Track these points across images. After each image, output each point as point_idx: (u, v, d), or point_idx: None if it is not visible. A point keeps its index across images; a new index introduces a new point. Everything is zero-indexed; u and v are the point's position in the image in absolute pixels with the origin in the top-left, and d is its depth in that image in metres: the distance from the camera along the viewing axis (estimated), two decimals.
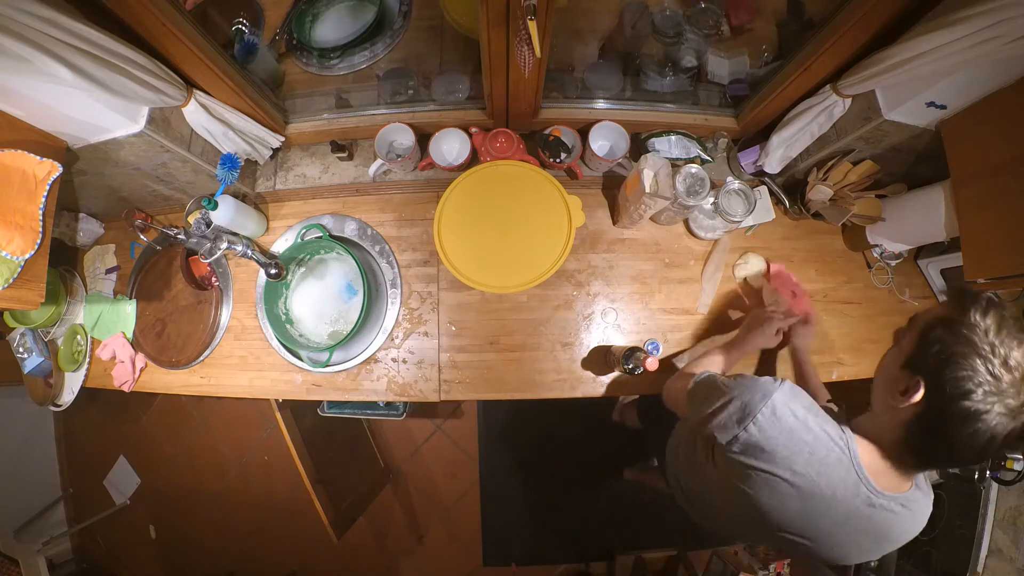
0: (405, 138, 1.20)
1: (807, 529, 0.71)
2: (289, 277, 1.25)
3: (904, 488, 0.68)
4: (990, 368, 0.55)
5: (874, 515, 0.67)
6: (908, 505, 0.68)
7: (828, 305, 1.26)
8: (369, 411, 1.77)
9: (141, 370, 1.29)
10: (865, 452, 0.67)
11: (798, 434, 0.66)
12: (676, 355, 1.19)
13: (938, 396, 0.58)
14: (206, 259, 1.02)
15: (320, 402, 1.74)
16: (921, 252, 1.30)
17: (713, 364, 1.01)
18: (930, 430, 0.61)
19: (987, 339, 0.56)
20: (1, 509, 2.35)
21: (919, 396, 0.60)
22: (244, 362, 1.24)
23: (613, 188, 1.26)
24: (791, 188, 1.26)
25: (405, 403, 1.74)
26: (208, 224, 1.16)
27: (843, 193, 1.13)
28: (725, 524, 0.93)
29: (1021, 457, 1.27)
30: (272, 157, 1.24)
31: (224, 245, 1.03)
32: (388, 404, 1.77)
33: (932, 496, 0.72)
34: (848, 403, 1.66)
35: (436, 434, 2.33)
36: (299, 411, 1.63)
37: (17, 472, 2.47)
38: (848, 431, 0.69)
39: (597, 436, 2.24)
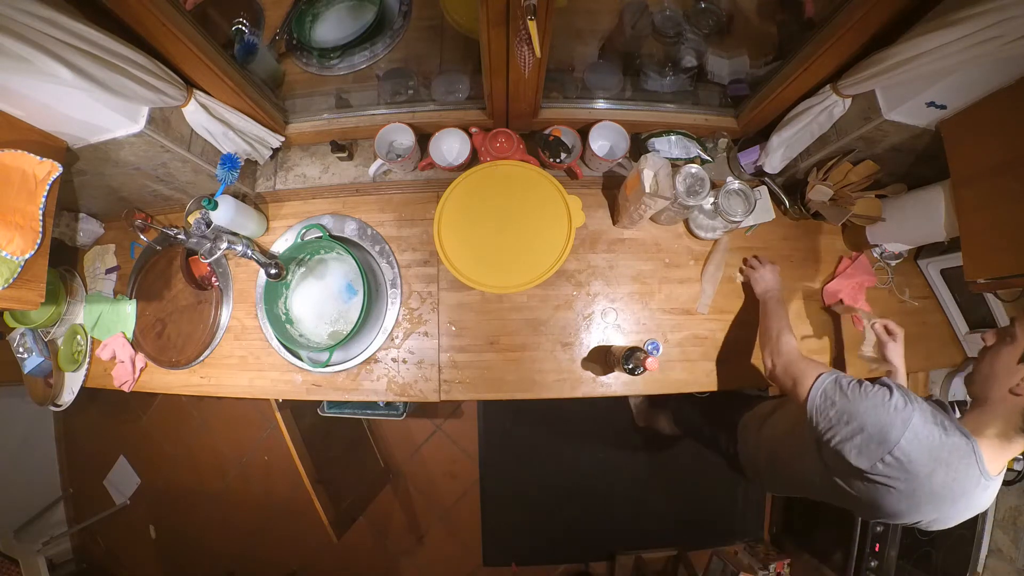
0: (405, 138, 1.20)
1: (900, 517, 0.76)
2: (289, 277, 1.25)
3: (1000, 468, 0.74)
4: None
5: (982, 495, 0.73)
6: (1001, 479, 0.75)
7: (828, 305, 1.26)
8: (369, 411, 1.76)
9: (141, 370, 1.29)
10: (986, 447, 0.73)
11: (937, 452, 0.71)
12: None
13: None
14: (206, 259, 1.02)
15: (320, 402, 1.74)
16: (921, 252, 1.30)
17: (786, 327, 1.04)
18: None
19: None
20: (1, 509, 2.35)
21: None
22: (244, 362, 1.24)
23: (613, 188, 1.26)
24: (791, 188, 1.26)
25: (405, 403, 1.74)
26: (208, 224, 1.16)
27: (843, 193, 1.13)
28: (800, 489, 0.98)
29: (1021, 457, 1.27)
30: (272, 157, 1.24)
31: (224, 245, 1.03)
32: (388, 404, 1.77)
33: None
34: None
35: (436, 434, 2.33)
36: (299, 411, 1.63)
37: (17, 472, 2.47)
38: (969, 433, 0.73)
39: (598, 435, 2.24)
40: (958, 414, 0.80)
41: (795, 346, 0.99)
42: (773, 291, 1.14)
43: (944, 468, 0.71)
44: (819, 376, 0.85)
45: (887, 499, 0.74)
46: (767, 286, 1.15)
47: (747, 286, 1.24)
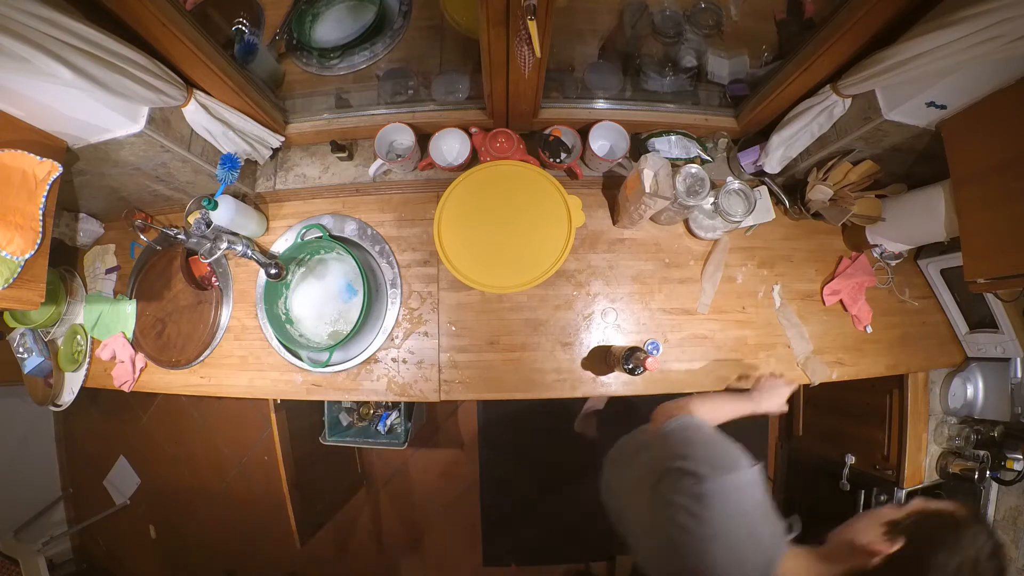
0: (405, 138, 1.20)
1: None
2: (289, 277, 1.25)
3: None
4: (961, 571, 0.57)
5: None
6: None
7: (828, 305, 1.26)
8: (371, 440, 1.78)
9: (141, 370, 1.29)
10: (786, 570, 0.65)
11: (734, 523, 0.65)
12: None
13: (901, 568, 0.59)
14: (206, 259, 1.02)
15: (323, 430, 1.76)
16: (921, 252, 1.30)
17: (719, 406, 0.97)
18: None
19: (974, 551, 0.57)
20: (1, 509, 2.35)
21: (887, 550, 0.60)
22: (244, 362, 1.24)
23: (613, 188, 1.26)
24: (791, 188, 1.26)
25: (407, 432, 1.76)
26: (208, 224, 1.15)
27: (843, 193, 1.13)
28: (634, 546, 0.90)
29: (1021, 457, 1.27)
30: (272, 157, 1.24)
31: (224, 245, 1.03)
32: (389, 432, 1.78)
33: None
34: (846, 403, 1.66)
35: (436, 434, 2.33)
36: (296, 412, 1.64)
37: (17, 472, 2.47)
38: (784, 547, 0.67)
39: (598, 435, 2.23)
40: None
41: (711, 411, 0.92)
42: (763, 411, 1.04)
43: (728, 547, 0.63)
44: (689, 415, 0.83)
45: (686, 540, 0.66)
46: (769, 408, 1.04)
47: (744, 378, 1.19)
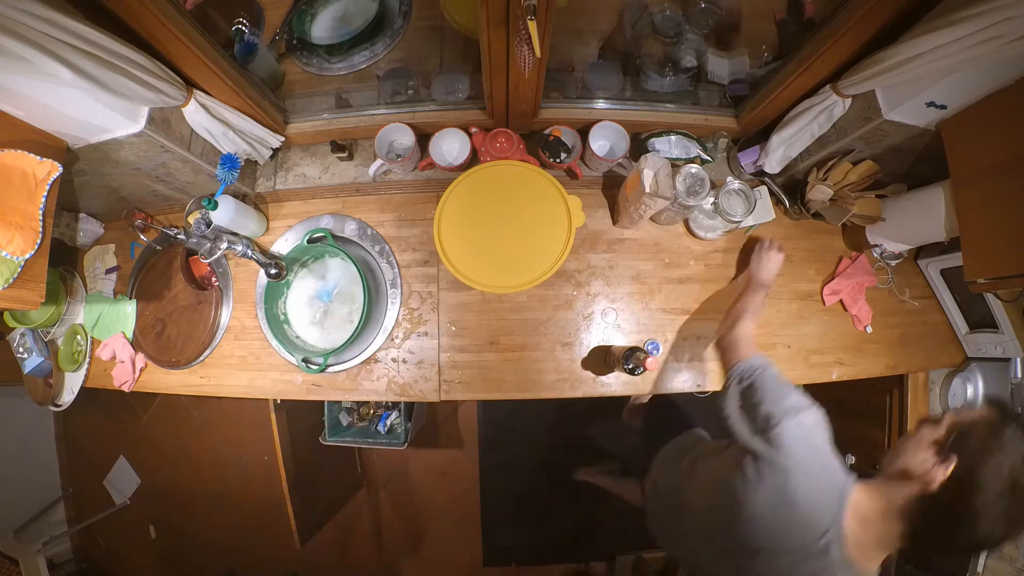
0: (405, 138, 1.20)
1: (770, 541, 0.71)
2: (289, 277, 1.25)
3: (866, 564, 0.68)
4: (1014, 477, 0.60)
5: (823, 566, 0.67)
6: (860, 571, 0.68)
7: (828, 305, 1.26)
8: (370, 440, 1.77)
9: (141, 370, 1.29)
10: (857, 502, 0.69)
11: (808, 455, 0.70)
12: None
13: (960, 483, 0.62)
14: (206, 259, 1.03)
15: (323, 430, 1.76)
16: (921, 252, 1.30)
17: (755, 316, 1.04)
18: (934, 512, 0.64)
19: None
20: (1, 509, 2.35)
21: (942, 476, 0.63)
22: (244, 362, 1.24)
23: (613, 188, 1.26)
24: (791, 188, 1.26)
25: (407, 432, 1.76)
26: (208, 224, 1.16)
27: (843, 193, 1.13)
28: (688, 534, 0.92)
29: None
30: (272, 157, 1.24)
31: (224, 245, 1.03)
32: (389, 432, 1.78)
33: None
34: (846, 403, 1.66)
35: (436, 434, 2.33)
36: (296, 412, 1.64)
37: (17, 472, 2.47)
38: (852, 478, 0.71)
39: (598, 435, 2.24)
40: None
41: (752, 333, 0.99)
42: (768, 283, 1.13)
43: (807, 479, 0.68)
44: (757, 355, 0.88)
45: (752, 500, 0.70)
46: (769, 276, 1.13)
47: (743, 261, 1.24)
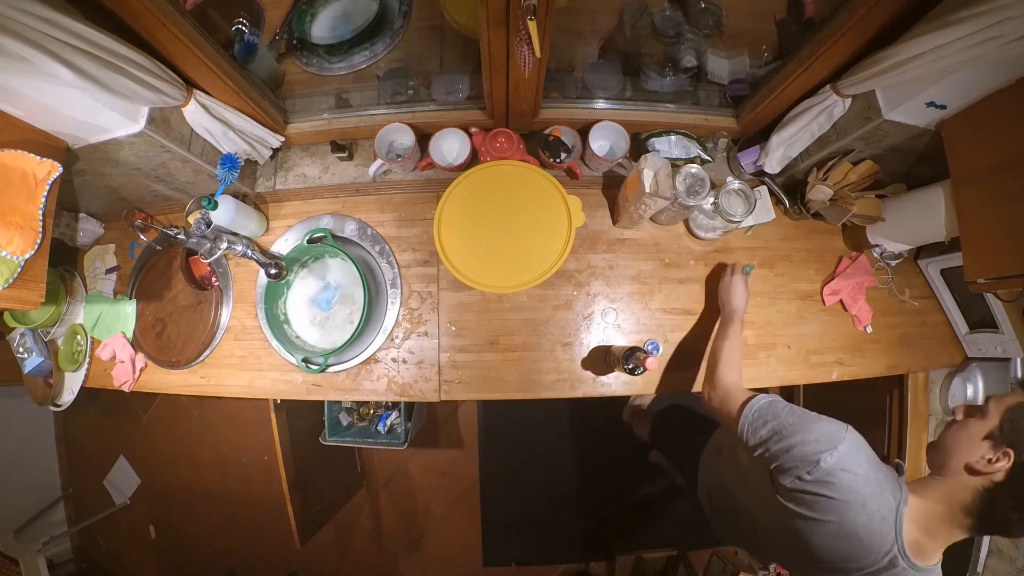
0: (405, 138, 1.20)
1: (838, 564, 0.73)
2: (290, 277, 1.25)
3: (932, 560, 0.71)
4: None
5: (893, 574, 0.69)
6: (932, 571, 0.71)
7: (828, 305, 1.26)
8: (370, 440, 1.77)
9: (141, 370, 1.29)
10: (916, 513, 0.70)
11: (857, 485, 0.69)
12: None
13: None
14: (206, 259, 1.03)
15: (322, 430, 1.76)
16: (921, 252, 1.30)
17: (734, 359, 0.99)
18: (1005, 498, 0.67)
19: None
20: (1, 509, 2.35)
21: (1006, 465, 0.66)
22: (244, 362, 1.24)
23: (613, 188, 1.26)
24: (791, 188, 1.26)
25: (407, 432, 1.76)
26: (208, 224, 1.15)
27: (843, 193, 1.13)
28: (753, 542, 0.95)
29: None
30: (272, 157, 1.24)
31: (224, 245, 1.03)
32: (389, 432, 1.78)
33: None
34: (846, 403, 1.66)
35: (436, 434, 2.33)
36: (296, 412, 1.64)
37: (17, 472, 2.47)
38: (905, 491, 0.72)
39: (597, 436, 2.24)
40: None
41: (738, 380, 0.95)
42: (740, 311, 1.07)
43: (860, 504, 0.68)
44: (754, 397, 0.84)
45: (817, 534, 0.71)
46: (739, 304, 1.08)
47: (711, 289, 1.22)
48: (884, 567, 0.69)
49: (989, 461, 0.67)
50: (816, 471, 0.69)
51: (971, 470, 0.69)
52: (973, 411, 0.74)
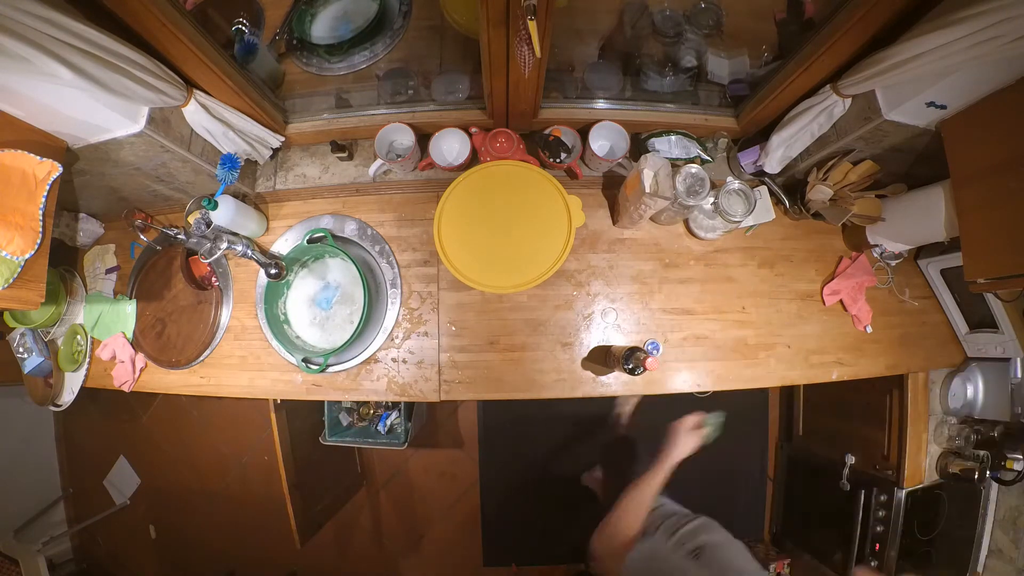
0: (405, 138, 1.20)
1: None
2: (290, 277, 1.25)
3: None
4: None
5: None
6: None
7: (828, 305, 1.26)
8: (370, 440, 1.77)
9: (141, 370, 1.29)
10: None
11: None
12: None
13: None
14: (206, 259, 1.03)
15: (322, 430, 1.76)
16: (921, 252, 1.30)
17: (643, 504, 0.99)
18: None
19: None
20: (1, 509, 2.36)
21: None
22: (244, 362, 1.24)
23: (613, 188, 1.26)
24: (791, 188, 1.26)
25: (407, 432, 1.76)
26: (208, 224, 1.15)
27: (843, 193, 1.13)
28: None
29: (1021, 457, 1.27)
30: (272, 157, 1.24)
31: (224, 245, 1.03)
32: (389, 432, 1.78)
33: None
34: (846, 402, 1.66)
35: (436, 434, 2.33)
36: (296, 412, 1.64)
37: (17, 472, 2.48)
38: None
39: (597, 436, 2.23)
40: None
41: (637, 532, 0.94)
42: (679, 461, 1.00)
43: None
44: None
45: None
46: (684, 456, 1.00)
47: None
48: None
49: None
50: None
51: None
52: None
